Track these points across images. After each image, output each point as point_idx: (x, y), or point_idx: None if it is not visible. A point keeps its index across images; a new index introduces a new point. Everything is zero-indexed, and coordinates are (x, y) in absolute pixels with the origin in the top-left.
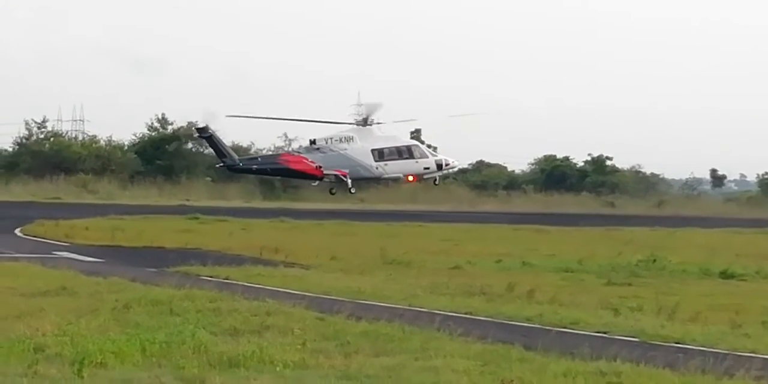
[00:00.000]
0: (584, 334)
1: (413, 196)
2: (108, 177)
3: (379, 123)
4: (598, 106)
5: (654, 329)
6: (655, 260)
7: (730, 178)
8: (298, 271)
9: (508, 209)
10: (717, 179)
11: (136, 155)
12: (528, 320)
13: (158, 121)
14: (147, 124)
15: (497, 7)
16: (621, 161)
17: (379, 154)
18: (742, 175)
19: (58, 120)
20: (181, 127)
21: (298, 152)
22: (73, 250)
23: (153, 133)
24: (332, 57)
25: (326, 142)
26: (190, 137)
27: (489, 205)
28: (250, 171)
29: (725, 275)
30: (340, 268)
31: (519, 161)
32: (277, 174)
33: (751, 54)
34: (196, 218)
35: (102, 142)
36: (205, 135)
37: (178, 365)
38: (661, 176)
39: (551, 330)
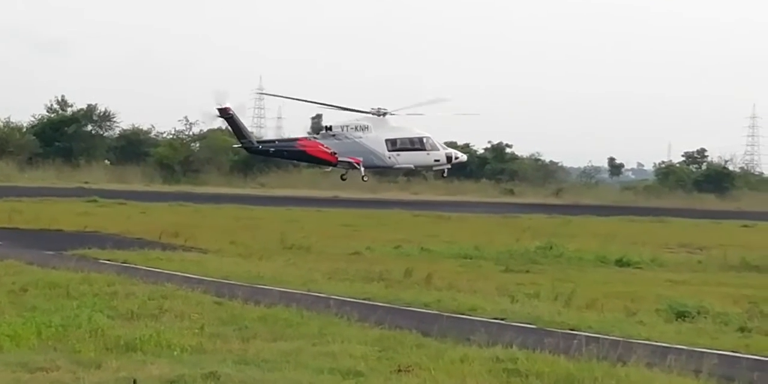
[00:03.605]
0: (481, 321)
1: (314, 182)
2: (6, 159)
3: (392, 114)
4: (498, 93)
5: (550, 316)
6: (552, 247)
7: (627, 166)
8: (197, 255)
9: (409, 196)
10: (615, 168)
11: (34, 137)
12: (426, 306)
13: (58, 102)
14: (46, 105)
15: None
16: (520, 149)
17: (392, 144)
18: (640, 164)
19: None
20: (81, 109)
21: (315, 138)
22: None
23: (52, 115)
24: (237, 38)
25: (342, 130)
26: (91, 119)
27: (390, 191)
28: (267, 153)
29: (621, 263)
30: (240, 252)
31: None
32: (293, 158)
33: (652, 42)
34: (95, 201)
35: (0, 124)
36: (226, 116)
37: (74, 349)
38: (559, 164)
39: (448, 316)
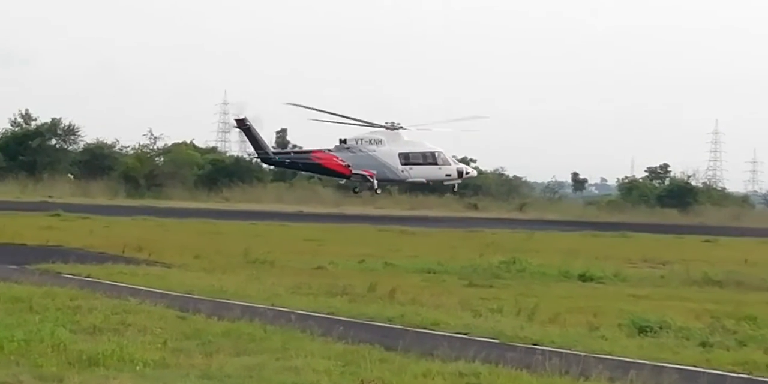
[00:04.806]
0: (444, 335)
1: (278, 196)
2: None
3: (404, 128)
4: (461, 108)
5: (513, 331)
6: (515, 262)
7: (591, 181)
8: (161, 270)
9: (373, 210)
10: (578, 183)
11: None
12: (389, 321)
13: (21, 116)
14: (10, 119)
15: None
16: (484, 164)
17: (405, 158)
18: (603, 179)
19: None
20: (45, 123)
21: (329, 150)
22: None
23: (16, 129)
24: (201, 54)
25: (356, 143)
26: (55, 133)
27: (354, 205)
28: (283, 164)
29: (584, 278)
30: (203, 266)
31: None
32: (308, 170)
33: (615, 58)
34: (59, 215)
35: None
36: (243, 127)
37: (37, 364)
38: (523, 179)
39: (412, 330)
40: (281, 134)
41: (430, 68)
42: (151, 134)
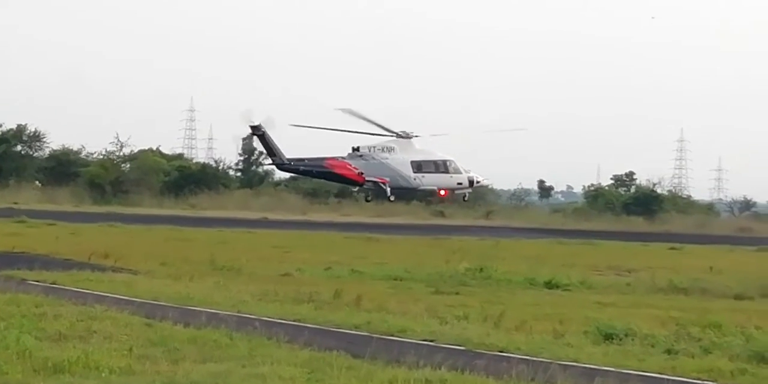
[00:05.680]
0: (411, 342)
1: (244, 203)
2: None
3: (417, 136)
4: (422, 114)
5: (479, 338)
6: (482, 269)
7: (557, 189)
8: (127, 277)
9: (339, 217)
10: (544, 190)
11: None
12: (356, 328)
13: None
14: None
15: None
16: None
17: (418, 166)
18: (569, 187)
19: None
20: (11, 129)
21: (342, 158)
22: None
23: None
24: (167, 60)
25: (369, 150)
26: (20, 140)
27: (320, 212)
28: (297, 171)
29: (550, 285)
30: (170, 273)
31: None
32: (322, 177)
33: (580, 65)
34: (24, 221)
35: None
36: (258, 133)
37: (2, 371)
38: (490, 186)
39: (378, 338)
40: (247, 141)
41: (396, 76)
42: (118, 140)
